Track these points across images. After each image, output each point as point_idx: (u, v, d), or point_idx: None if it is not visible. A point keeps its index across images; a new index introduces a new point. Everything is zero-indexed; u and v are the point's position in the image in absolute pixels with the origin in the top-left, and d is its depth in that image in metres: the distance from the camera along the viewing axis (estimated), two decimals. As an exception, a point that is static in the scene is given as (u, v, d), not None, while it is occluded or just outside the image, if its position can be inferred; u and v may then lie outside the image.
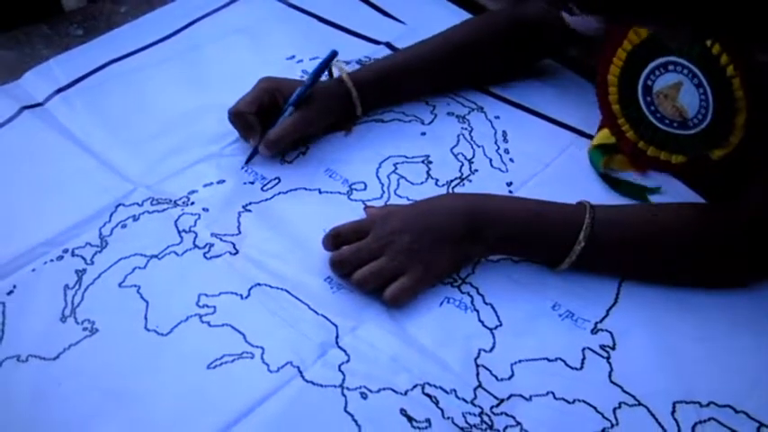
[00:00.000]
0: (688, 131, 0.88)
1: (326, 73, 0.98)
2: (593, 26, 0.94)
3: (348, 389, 0.72)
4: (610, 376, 0.74)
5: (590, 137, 0.98)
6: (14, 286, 0.81)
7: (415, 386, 0.73)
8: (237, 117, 0.96)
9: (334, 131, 1.02)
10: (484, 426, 0.70)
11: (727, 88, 0.82)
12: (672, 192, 0.91)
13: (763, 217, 0.78)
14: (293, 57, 1.10)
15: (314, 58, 1.07)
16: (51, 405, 0.72)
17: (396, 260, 0.80)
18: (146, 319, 0.78)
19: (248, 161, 0.97)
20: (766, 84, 0.79)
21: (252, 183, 0.94)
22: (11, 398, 0.72)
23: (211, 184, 0.93)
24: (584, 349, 0.76)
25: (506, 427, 0.70)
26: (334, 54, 0.98)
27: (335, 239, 0.83)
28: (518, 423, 0.70)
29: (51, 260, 0.84)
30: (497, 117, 1.02)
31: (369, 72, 1.03)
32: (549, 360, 0.75)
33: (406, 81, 1.05)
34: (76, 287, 0.81)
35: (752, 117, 0.81)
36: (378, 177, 0.94)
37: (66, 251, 0.85)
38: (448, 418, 0.70)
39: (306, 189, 0.93)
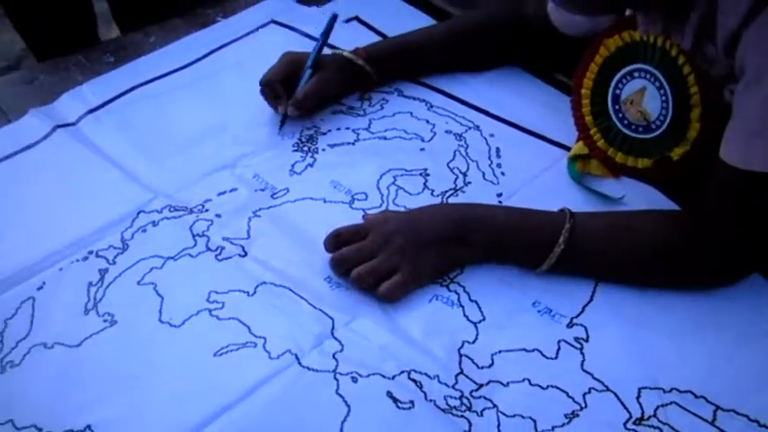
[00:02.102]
0: (651, 134, 0.90)
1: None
2: (575, 28, 1.01)
3: (340, 374, 0.75)
4: (582, 365, 0.76)
5: (574, 150, 1.00)
6: (44, 283, 0.84)
7: (401, 372, 0.75)
8: (267, 86, 1.02)
9: (352, 94, 1.10)
10: (463, 407, 0.72)
11: (683, 85, 0.85)
12: (643, 198, 0.92)
13: (716, 230, 0.80)
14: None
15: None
16: (73, 386, 0.75)
17: (390, 260, 0.82)
18: (160, 312, 0.81)
19: (281, 126, 1.03)
20: (711, 79, 0.83)
21: (263, 190, 0.96)
22: (38, 379, 0.75)
23: (225, 192, 0.96)
24: (559, 341, 0.78)
25: (483, 409, 0.72)
26: (335, 16, 1.07)
27: (336, 240, 0.86)
28: (494, 405, 0.73)
29: (77, 260, 0.87)
30: (492, 135, 1.04)
31: (380, 47, 1.11)
32: (526, 351, 0.78)
33: (418, 53, 1.11)
34: (99, 284, 0.84)
35: (704, 109, 0.84)
36: (378, 188, 0.96)
37: (90, 252, 0.87)
38: (430, 400, 0.73)
39: (312, 198, 0.95)
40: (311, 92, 1.03)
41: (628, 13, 0.91)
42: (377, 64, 1.08)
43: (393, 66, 1.11)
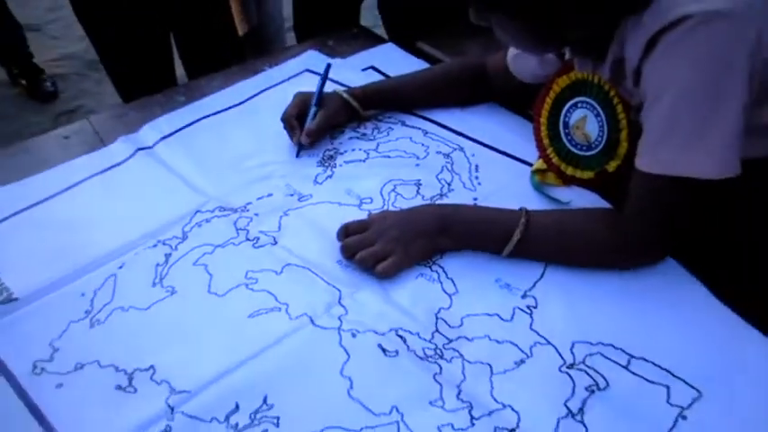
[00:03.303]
0: (592, 152, 0.92)
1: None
2: (530, 76, 1.03)
3: (343, 330, 0.79)
4: (530, 326, 0.79)
5: (535, 166, 1.01)
6: (123, 263, 0.88)
7: (390, 330, 0.78)
8: (286, 121, 1.06)
9: (343, 130, 1.12)
10: (436, 356, 0.76)
11: (614, 113, 0.87)
12: (586, 201, 0.94)
13: (634, 224, 0.82)
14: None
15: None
16: (141, 338, 0.79)
17: (386, 247, 0.85)
18: (209, 285, 0.85)
19: (298, 153, 1.06)
20: (632, 107, 0.85)
21: (291, 195, 0.99)
22: (116, 333, 0.80)
23: (262, 197, 0.98)
24: (514, 308, 0.81)
25: (452, 358, 0.75)
26: (329, 66, 1.11)
27: (345, 232, 0.88)
28: (461, 355, 0.76)
29: (149, 247, 0.91)
30: (473, 154, 1.05)
31: (367, 88, 1.13)
32: (488, 315, 0.80)
33: (395, 98, 1.14)
34: (164, 265, 0.88)
35: (630, 131, 0.86)
36: (381, 194, 0.98)
37: (159, 241, 0.91)
38: (411, 350, 0.76)
39: (330, 202, 0.97)
40: (319, 126, 1.06)
41: (567, 56, 0.93)
42: (363, 101, 1.11)
43: (376, 103, 1.13)
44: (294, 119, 1.07)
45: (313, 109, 1.07)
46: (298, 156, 1.07)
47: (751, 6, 0.70)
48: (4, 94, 2.96)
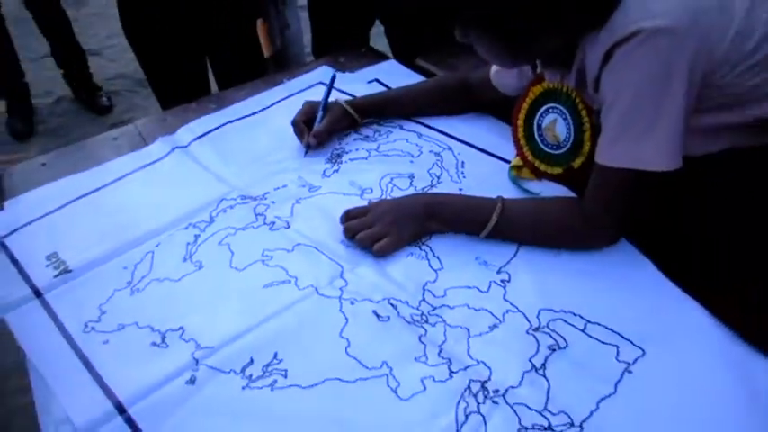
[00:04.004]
0: (561, 150, 0.92)
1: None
2: (510, 89, 1.04)
3: (343, 299, 0.80)
4: (504, 296, 0.80)
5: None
6: (159, 243, 0.90)
7: (383, 299, 0.80)
8: (296, 125, 1.08)
9: (350, 133, 1.13)
10: (422, 321, 0.77)
11: (579, 117, 0.88)
12: (555, 192, 0.93)
13: (593, 211, 0.83)
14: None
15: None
16: (173, 303, 0.81)
17: (382, 229, 0.86)
18: (230, 261, 0.86)
19: (306, 152, 1.08)
20: (594, 111, 0.85)
21: (303, 187, 1.00)
22: (153, 299, 0.82)
23: (278, 188, 1.00)
24: (490, 281, 0.82)
25: (436, 323, 0.77)
26: (334, 76, 1.12)
27: (347, 216, 0.90)
28: (443, 320, 0.77)
29: (181, 229, 0.92)
30: (459, 153, 1.06)
31: (366, 99, 1.14)
32: (468, 287, 0.81)
33: (389, 107, 1.15)
34: (194, 243, 0.90)
35: (593, 132, 0.86)
36: (380, 186, 0.99)
37: (189, 224, 0.93)
38: (401, 316, 0.78)
39: (335, 192, 0.98)
40: (324, 129, 1.07)
41: (539, 69, 0.94)
42: (361, 111, 1.12)
43: (372, 112, 1.14)
44: (302, 123, 1.09)
45: (320, 114, 1.08)
46: (305, 155, 1.08)
47: (694, 24, 0.71)
48: (68, 108, 3.03)
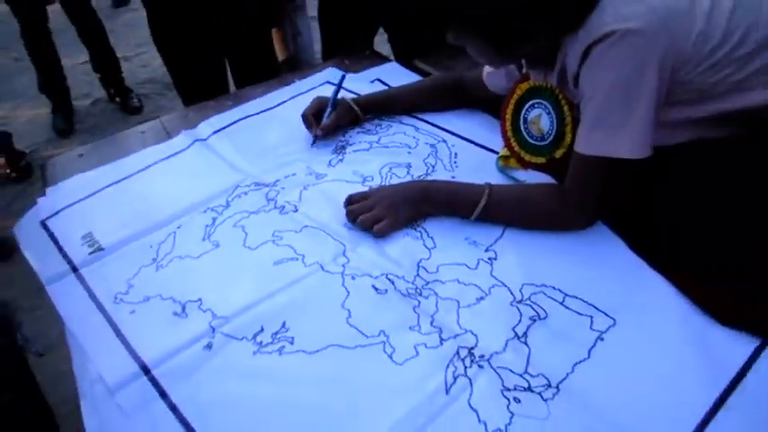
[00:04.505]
0: (545, 142, 0.92)
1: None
2: (500, 89, 1.03)
3: (345, 275, 0.80)
4: (491, 272, 0.80)
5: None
6: (181, 224, 0.91)
7: (382, 274, 0.80)
8: (305, 118, 1.08)
9: (354, 127, 1.12)
10: (416, 294, 0.77)
11: (561, 111, 0.88)
12: (538, 180, 0.92)
13: (572, 195, 0.83)
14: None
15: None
16: (192, 277, 0.82)
17: (381, 212, 0.86)
18: (244, 241, 0.87)
19: (313, 142, 1.07)
20: (575, 106, 0.85)
21: (310, 174, 1.00)
22: (175, 274, 0.83)
23: (288, 176, 1.00)
24: (479, 259, 0.81)
25: (428, 295, 0.77)
26: (343, 76, 1.12)
27: (350, 201, 0.90)
28: (435, 294, 0.77)
29: (200, 212, 0.93)
30: (453, 145, 1.05)
31: (368, 97, 1.14)
32: (458, 264, 0.81)
33: (393, 102, 1.15)
34: (211, 225, 0.90)
35: (573, 125, 0.86)
36: (380, 174, 0.99)
37: (207, 208, 0.93)
38: (398, 290, 0.78)
39: (340, 180, 0.98)
40: (331, 123, 1.08)
41: (524, 69, 0.94)
42: (363, 107, 1.12)
43: (374, 109, 1.14)
44: (312, 116, 1.09)
45: (329, 110, 1.09)
46: (312, 145, 1.08)
47: (662, 26, 0.71)
48: (103, 108, 3.05)
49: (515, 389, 0.66)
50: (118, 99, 3.00)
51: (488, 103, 1.14)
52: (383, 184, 0.97)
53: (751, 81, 0.75)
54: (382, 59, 1.42)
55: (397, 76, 1.31)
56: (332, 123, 1.08)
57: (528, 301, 0.75)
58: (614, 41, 0.71)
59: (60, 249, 0.88)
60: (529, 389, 0.66)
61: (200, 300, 0.78)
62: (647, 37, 0.71)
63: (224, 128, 1.15)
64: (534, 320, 0.73)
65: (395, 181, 0.97)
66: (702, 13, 0.73)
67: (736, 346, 0.68)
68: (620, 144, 0.76)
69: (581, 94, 0.79)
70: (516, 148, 0.98)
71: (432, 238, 0.86)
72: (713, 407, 0.62)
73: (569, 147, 0.87)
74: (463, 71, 1.16)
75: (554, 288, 0.77)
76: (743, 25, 0.73)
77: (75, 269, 0.85)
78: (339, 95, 1.13)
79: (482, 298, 0.77)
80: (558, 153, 0.91)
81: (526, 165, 0.97)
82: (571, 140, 0.87)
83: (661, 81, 0.74)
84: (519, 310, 0.74)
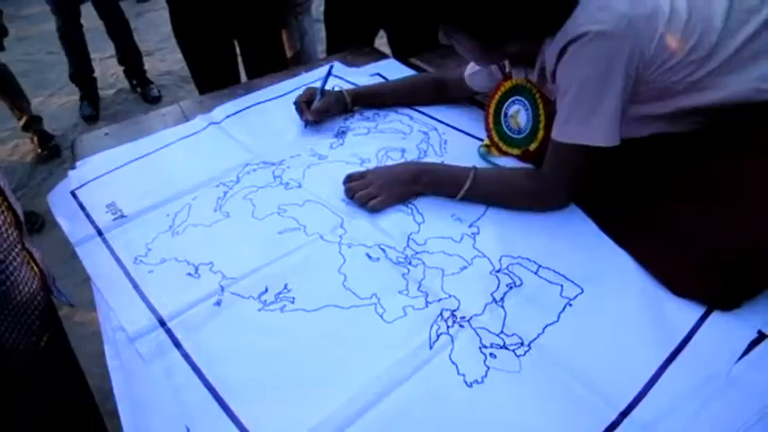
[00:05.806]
0: (521, 135, 0.93)
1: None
2: (483, 88, 1.03)
3: (342, 244, 0.81)
4: (473, 245, 0.80)
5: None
6: (195, 197, 0.91)
7: (375, 244, 0.80)
8: (297, 104, 1.07)
9: (354, 114, 1.11)
10: (406, 262, 0.77)
11: (537, 108, 0.88)
12: (515, 165, 0.92)
13: (548, 179, 0.83)
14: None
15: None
16: (205, 244, 0.82)
17: (376, 190, 0.87)
18: (252, 212, 0.87)
19: (306, 125, 1.07)
20: (552, 102, 0.85)
21: (314, 155, 1.00)
22: (189, 241, 0.83)
23: (293, 156, 1.00)
24: (462, 234, 0.82)
25: (417, 264, 0.77)
26: (331, 67, 1.11)
27: (349, 179, 0.90)
28: (423, 263, 0.77)
29: (213, 186, 0.93)
30: (444, 133, 1.05)
31: (358, 89, 1.13)
32: (444, 238, 0.81)
33: (379, 96, 1.14)
34: (222, 198, 0.91)
35: (547, 122, 0.86)
36: (377, 157, 0.99)
37: (220, 183, 0.94)
38: (389, 258, 0.78)
39: (340, 161, 0.98)
40: (320, 109, 1.07)
41: (507, 69, 0.95)
42: (354, 98, 1.12)
43: (363, 100, 1.13)
44: (303, 103, 1.08)
45: (318, 96, 1.08)
46: (305, 127, 1.07)
47: (630, 29, 0.72)
48: (126, 97, 3.03)
49: (492, 346, 0.67)
50: (139, 89, 2.99)
51: (470, 100, 1.14)
52: (379, 165, 0.97)
53: (704, 82, 0.76)
54: (381, 56, 1.41)
55: (394, 71, 1.30)
56: (320, 108, 1.08)
57: (506, 271, 0.76)
58: (586, 41, 0.72)
59: (88, 216, 0.89)
60: (504, 347, 0.66)
61: (211, 262, 0.78)
62: (616, 38, 0.71)
63: (236, 113, 1.14)
64: (510, 287, 0.73)
65: (390, 163, 0.97)
66: (663, 21, 0.74)
67: (686, 312, 0.69)
68: (591, 133, 0.76)
69: (558, 88, 0.79)
70: (496, 139, 0.98)
71: (421, 214, 0.87)
72: (664, 363, 0.64)
73: (541, 141, 0.88)
74: (453, 68, 1.16)
75: (529, 260, 0.77)
76: (697, 32, 0.74)
77: (100, 233, 0.86)
78: (339, 87, 1.13)
79: (465, 267, 0.77)
80: (532, 146, 0.91)
81: (504, 154, 0.98)
82: (544, 136, 0.88)
83: (628, 78, 0.74)
84: (497, 278, 0.75)
